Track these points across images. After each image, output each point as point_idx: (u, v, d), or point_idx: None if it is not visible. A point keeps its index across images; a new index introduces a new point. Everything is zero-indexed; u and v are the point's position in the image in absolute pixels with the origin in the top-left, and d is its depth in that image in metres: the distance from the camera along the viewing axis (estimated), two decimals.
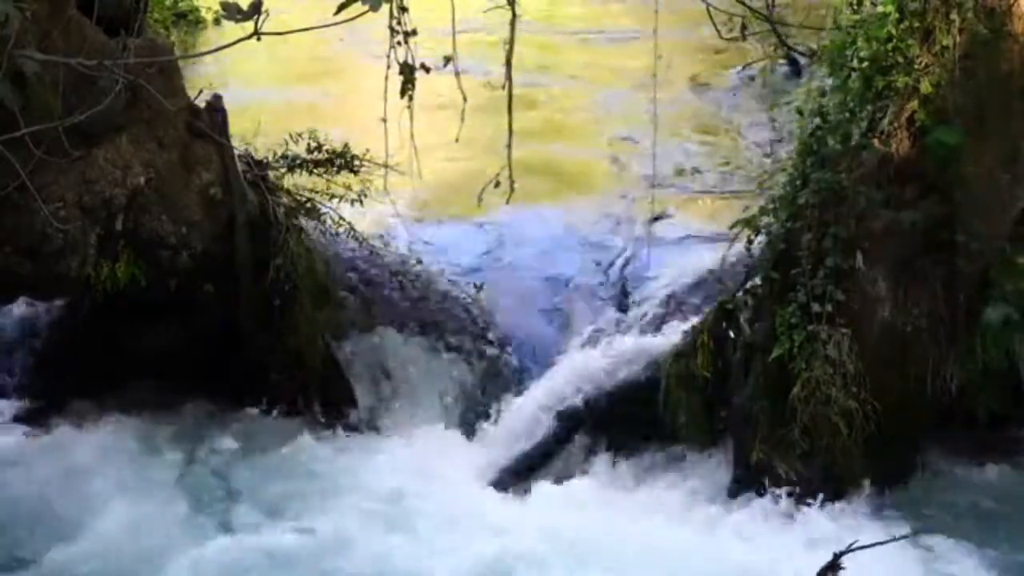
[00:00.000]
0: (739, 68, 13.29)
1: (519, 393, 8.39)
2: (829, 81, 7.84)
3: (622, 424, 8.07)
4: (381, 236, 9.00)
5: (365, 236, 8.71)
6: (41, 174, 6.49)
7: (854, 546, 5.24)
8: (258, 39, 3.48)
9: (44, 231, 7.05)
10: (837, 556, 5.30)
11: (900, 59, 7.24)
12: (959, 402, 7.48)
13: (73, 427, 8.24)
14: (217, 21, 14.90)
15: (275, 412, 8.42)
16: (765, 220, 7.79)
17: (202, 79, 9.28)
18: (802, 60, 12.52)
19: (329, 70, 13.63)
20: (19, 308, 8.76)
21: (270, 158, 8.35)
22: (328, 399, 8.41)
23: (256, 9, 3.40)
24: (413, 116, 5.78)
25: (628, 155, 10.92)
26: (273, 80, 13.17)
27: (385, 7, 3.83)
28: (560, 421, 8.13)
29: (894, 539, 5.92)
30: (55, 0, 6.91)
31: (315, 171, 8.43)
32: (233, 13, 3.42)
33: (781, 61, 12.97)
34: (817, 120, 7.64)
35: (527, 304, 8.93)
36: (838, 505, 7.39)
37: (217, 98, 8.00)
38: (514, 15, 5.84)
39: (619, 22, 15.26)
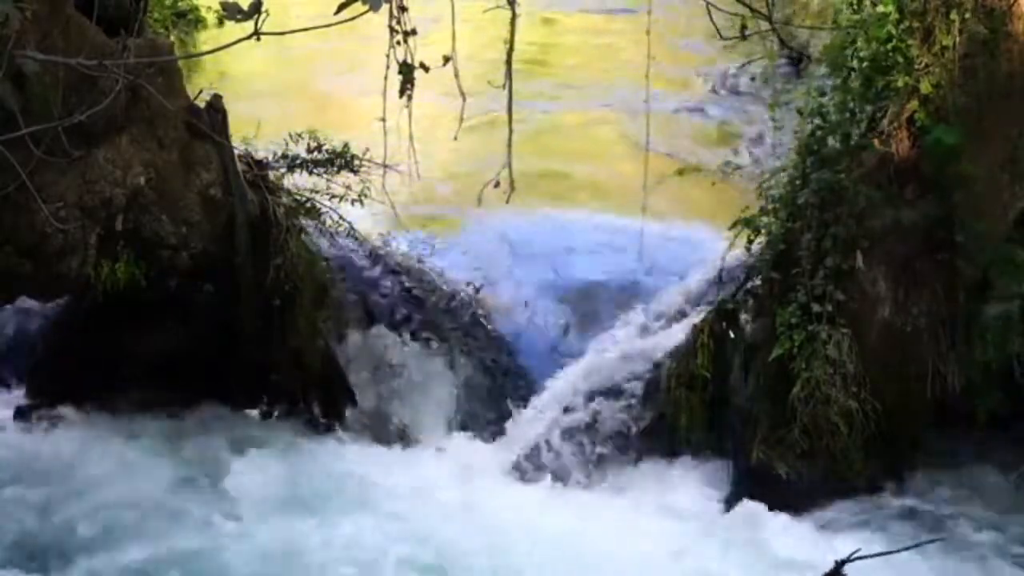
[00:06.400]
0: (738, 66, 13.31)
1: (519, 393, 8.39)
2: (829, 81, 7.85)
3: (623, 424, 8.08)
4: (381, 236, 9.01)
5: (365, 236, 8.72)
6: (41, 174, 6.50)
7: (856, 555, 5.22)
8: (258, 39, 3.49)
9: (44, 231, 7.05)
10: (839, 564, 5.28)
11: (900, 59, 7.25)
12: (959, 402, 7.48)
13: (73, 427, 8.23)
14: (221, 22, 14.89)
15: (275, 412, 8.42)
16: (765, 220, 7.79)
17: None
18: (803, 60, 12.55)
19: None
20: (19, 308, 8.76)
21: (270, 158, 8.36)
22: (328, 399, 8.41)
23: (256, 9, 3.40)
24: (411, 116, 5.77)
25: (628, 155, 10.92)
26: None
27: (385, 7, 3.83)
28: (560, 422, 8.14)
29: (898, 550, 5.90)
30: (55, 0, 6.91)
31: (315, 171, 8.42)
32: (233, 13, 3.42)
33: (781, 60, 12.98)
34: (817, 120, 7.64)
35: (527, 304, 8.93)
36: (838, 505, 7.40)
37: (217, 98, 7.99)
38: (514, 15, 5.84)
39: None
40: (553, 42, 15.26)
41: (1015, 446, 7.83)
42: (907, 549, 5.87)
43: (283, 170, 8.36)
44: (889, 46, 7.29)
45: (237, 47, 3.74)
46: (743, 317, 7.93)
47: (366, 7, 3.43)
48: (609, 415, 8.11)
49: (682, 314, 8.46)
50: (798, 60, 12.77)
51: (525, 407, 8.31)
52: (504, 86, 5.94)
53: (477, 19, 6.53)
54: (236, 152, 8.04)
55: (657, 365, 8.13)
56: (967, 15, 7.05)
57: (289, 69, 13.83)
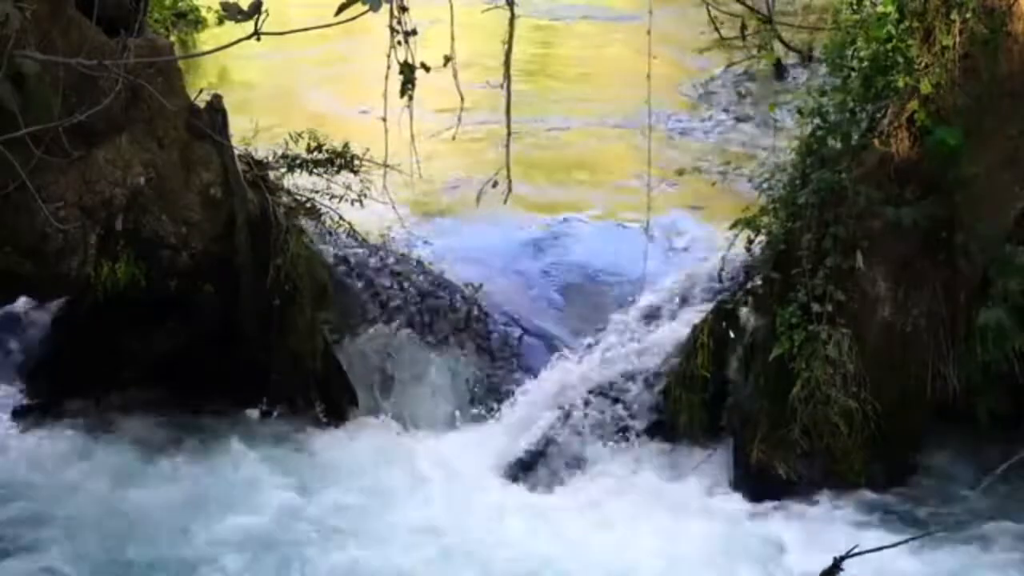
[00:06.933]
0: (722, 69, 13.35)
1: (519, 392, 8.38)
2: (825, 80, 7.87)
3: (622, 424, 8.08)
4: (381, 236, 9.01)
5: (365, 236, 8.72)
6: (41, 174, 6.50)
7: (854, 550, 5.23)
8: (258, 39, 3.49)
9: (44, 231, 7.05)
10: (838, 560, 5.29)
11: (900, 59, 7.25)
12: (959, 402, 7.48)
13: (72, 427, 8.23)
14: (221, 22, 14.90)
15: (275, 412, 8.42)
16: (765, 220, 7.79)
17: None
18: (793, 61, 12.61)
19: None
20: (19, 308, 8.76)
21: (270, 158, 8.36)
22: (328, 399, 8.41)
23: (256, 9, 3.40)
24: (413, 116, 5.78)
25: (628, 154, 10.93)
26: None
27: (385, 7, 3.83)
28: (560, 420, 8.13)
29: (895, 544, 5.89)
30: (55, 0, 6.91)
31: (315, 171, 8.43)
32: (233, 13, 3.43)
33: (764, 64, 13.03)
34: (817, 120, 7.65)
35: (527, 303, 8.94)
36: (838, 505, 7.40)
37: (217, 98, 8.00)
38: (512, 15, 5.85)
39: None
40: (554, 52, 15.28)
41: (1015, 446, 7.83)
42: (903, 543, 5.87)
43: (283, 170, 8.36)
44: (889, 46, 7.30)
45: (238, 52, 3.75)
46: (743, 317, 7.93)
47: (366, 7, 3.44)
48: (608, 415, 8.11)
49: (682, 314, 8.46)
50: (803, 60, 12.79)
51: (525, 407, 8.30)
52: (502, 86, 5.95)
53: (476, 23, 6.54)
54: (236, 152, 8.04)
55: (657, 365, 8.13)
56: (967, 15, 7.05)
57: (287, 72, 13.83)
